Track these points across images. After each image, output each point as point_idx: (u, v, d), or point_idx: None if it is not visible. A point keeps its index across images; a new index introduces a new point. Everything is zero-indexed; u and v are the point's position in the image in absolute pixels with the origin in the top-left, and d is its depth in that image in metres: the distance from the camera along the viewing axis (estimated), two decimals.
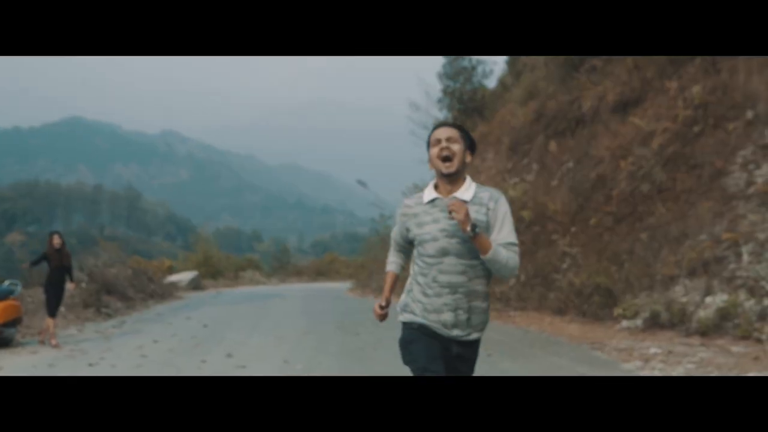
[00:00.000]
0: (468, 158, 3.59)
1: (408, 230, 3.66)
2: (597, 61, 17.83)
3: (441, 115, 30.57)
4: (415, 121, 29.96)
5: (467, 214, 3.29)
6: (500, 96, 27.48)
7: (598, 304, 12.44)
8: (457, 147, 3.52)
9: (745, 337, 9.09)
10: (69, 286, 11.53)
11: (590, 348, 9.76)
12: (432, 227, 3.50)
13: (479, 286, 3.51)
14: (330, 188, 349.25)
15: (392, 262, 3.92)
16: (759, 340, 8.88)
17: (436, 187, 3.62)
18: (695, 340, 9.48)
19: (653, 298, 11.08)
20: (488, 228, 3.47)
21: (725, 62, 13.69)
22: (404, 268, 3.92)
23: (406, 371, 3.52)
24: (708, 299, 10.26)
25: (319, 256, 62.73)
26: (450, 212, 3.32)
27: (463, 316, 3.47)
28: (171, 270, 30.54)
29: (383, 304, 3.71)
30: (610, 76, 16.77)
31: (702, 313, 9.95)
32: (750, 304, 9.61)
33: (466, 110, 28.82)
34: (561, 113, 18.78)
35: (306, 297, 22.99)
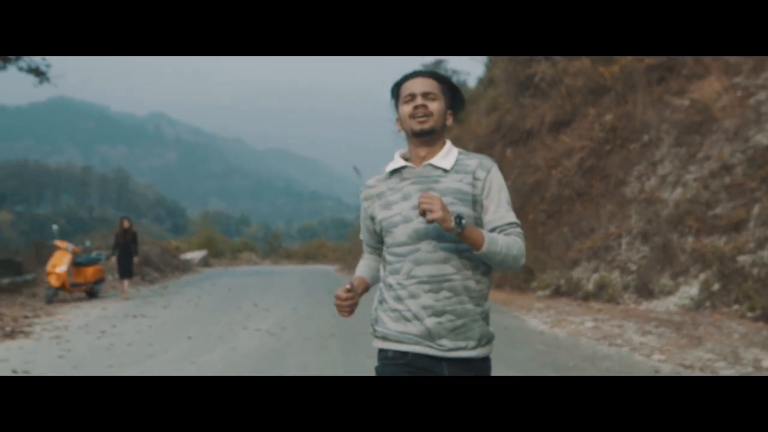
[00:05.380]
0: (449, 121, 2.78)
1: (373, 218, 2.76)
2: (543, 84, 21.86)
3: None
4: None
5: (444, 208, 2.42)
6: (473, 102, 31.35)
7: (522, 279, 16.63)
8: (435, 105, 2.67)
9: (611, 300, 13.24)
10: (135, 259, 15.71)
11: (503, 305, 14.01)
12: (402, 206, 2.64)
13: (471, 281, 2.61)
14: (318, 174, 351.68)
15: (361, 265, 2.95)
16: (618, 302, 13.06)
17: (405, 158, 2.79)
18: (578, 303, 13.66)
19: (558, 275, 15.27)
20: (477, 204, 2.65)
21: (630, 96, 17.74)
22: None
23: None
24: (594, 276, 14.43)
25: (306, 241, 65.80)
26: (422, 213, 2.44)
27: (451, 324, 2.57)
28: (178, 250, 34.49)
29: (348, 287, 2.64)
30: (549, 99, 20.83)
31: (587, 286, 14.14)
32: (619, 279, 13.79)
33: None
34: (515, 126, 22.82)
35: (300, 274, 27.13)
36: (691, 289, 12.19)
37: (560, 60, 21.07)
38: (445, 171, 2.67)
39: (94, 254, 16.30)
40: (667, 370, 7.35)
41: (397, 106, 2.79)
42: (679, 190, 14.55)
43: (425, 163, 2.69)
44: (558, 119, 20.04)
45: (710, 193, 13.53)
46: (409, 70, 2.85)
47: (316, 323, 11.25)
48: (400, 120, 2.76)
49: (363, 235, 2.94)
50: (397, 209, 2.65)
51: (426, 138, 2.69)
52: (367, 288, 2.83)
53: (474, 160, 2.73)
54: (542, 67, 21.46)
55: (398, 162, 2.74)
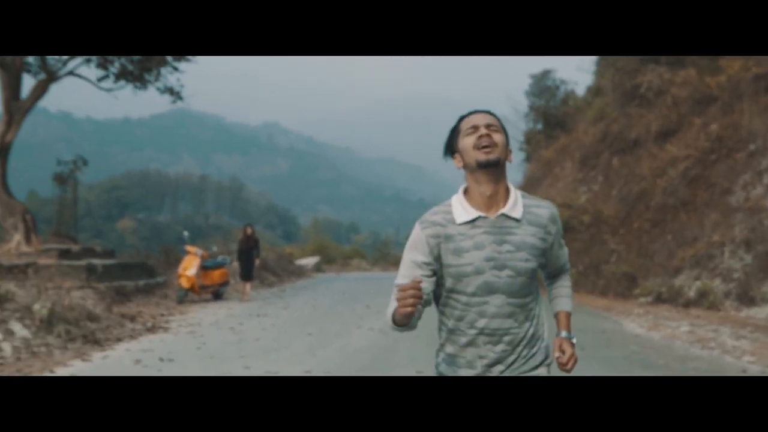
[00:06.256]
0: (510, 158, 2.68)
1: (437, 259, 2.65)
2: (649, 94, 22.03)
3: (527, 128, 35.11)
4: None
5: (572, 349, 2.68)
6: (581, 111, 31.59)
7: (625, 287, 17.00)
8: (499, 137, 2.63)
9: (711, 307, 13.53)
10: (256, 262, 17.01)
11: (604, 310, 14.47)
12: (474, 255, 2.58)
13: (531, 330, 2.67)
14: (425, 182, 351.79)
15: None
16: (718, 309, 13.34)
17: (465, 196, 2.69)
18: (677, 310, 13.98)
19: (660, 282, 15.60)
20: (545, 255, 2.70)
21: (737, 105, 17.82)
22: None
23: None
24: (696, 283, 14.70)
25: None
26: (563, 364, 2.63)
27: (499, 372, 2.65)
28: (292, 256, 36.02)
29: (418, 281, 2.44)
30: (655, 109, 21.02)
31: (688, 293, 14.44)
32: (721, 287, 14.05)
33: (549, 124, 33.21)
34: (621, 135, 23.07)
35: None
36: None
37: (666, 70, 21.25)
38: (517, 221, 2.62)
39: (219, 258, 17.75)
40: (755, 370, 7.80)
41: (455, 142, 2.73)
42: None
43: (499, 213, 2.61)
44: (664, 129, 20.24)
45: None
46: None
47: (425, 322, 12.04)
48: (460, 154, 2.69)
49: (405, 279, 2.69)
50: (468, 258, 2.59)
51: (491, 170, 2.61)
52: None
53: (544, 210, 2.69)
54: (648, 77, 21.66)
55: (470, 211, 2.62)
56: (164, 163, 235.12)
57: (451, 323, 2.72)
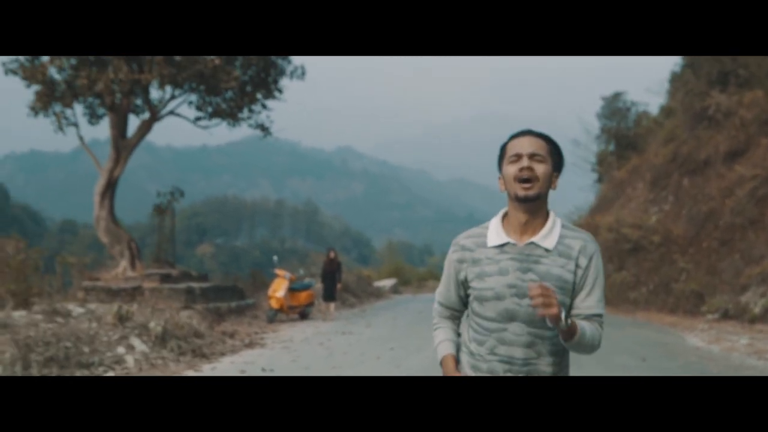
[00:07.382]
0: (554, 185, 2.63)
1: (463, 282, 2.69)
2: (718, 115, 22.51)
3: (599, 149, 35.63)
4: (577, 154, 35.02)
5: (558, 305, 2.36)
6: (652, 132, 32.02)
7: (692, 304, 17.58)
8: (542, 169, 2.55)
9: None
10: (338, 285, 18.22)
11: (670, 326, 15.13)
12: (497, 280, 2.55)
13: (550, 366, 2.59)
14: (499, 203, 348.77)
15: (445, 340, 2.80)
16: None
17: (503, 219, 2.69)
18: (742, 325, 14.55)
19: (727, 299, 16.17)
20: (572, 290, 2.56)
21: None
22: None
23: None
24: (762, 300, 15.24)
25: None
26: (533, 302, 2.36)
27: None
28: (370, 278, 37.17)
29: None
30: (724, 130, 21.52)
31: (753, 309, 15.00)
32: None
33: (621, 145, 33.70)
34: (690, 157, 23.57)
35: None
36: None
37: (734, 91, 21.73)
38: (548, 251, 2.55)
39: (306, 281, 19.02)
40: None
41: (501, 164, 2.69)
42: None
43: (528, 241, 2.57)
44: (732, 149, 20.71)
45: None
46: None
47: None
48: (503, 179, 2.65)
49: (443, 297, 2.83)
50: (491, 282, 2.56)
51: (529, 204, 2.56)
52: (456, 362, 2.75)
53: (577, 242, 2.59)
54: (717, 99, 22.15)
55: (500, 236, 2.61)
56: (241, 188, 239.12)
57: (473, 347, 2.68)
